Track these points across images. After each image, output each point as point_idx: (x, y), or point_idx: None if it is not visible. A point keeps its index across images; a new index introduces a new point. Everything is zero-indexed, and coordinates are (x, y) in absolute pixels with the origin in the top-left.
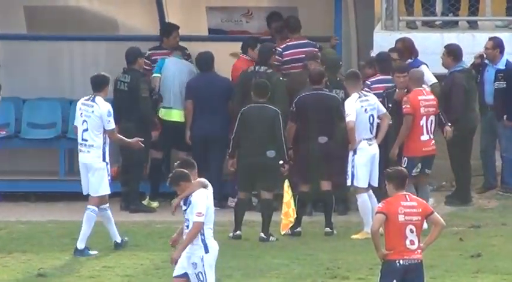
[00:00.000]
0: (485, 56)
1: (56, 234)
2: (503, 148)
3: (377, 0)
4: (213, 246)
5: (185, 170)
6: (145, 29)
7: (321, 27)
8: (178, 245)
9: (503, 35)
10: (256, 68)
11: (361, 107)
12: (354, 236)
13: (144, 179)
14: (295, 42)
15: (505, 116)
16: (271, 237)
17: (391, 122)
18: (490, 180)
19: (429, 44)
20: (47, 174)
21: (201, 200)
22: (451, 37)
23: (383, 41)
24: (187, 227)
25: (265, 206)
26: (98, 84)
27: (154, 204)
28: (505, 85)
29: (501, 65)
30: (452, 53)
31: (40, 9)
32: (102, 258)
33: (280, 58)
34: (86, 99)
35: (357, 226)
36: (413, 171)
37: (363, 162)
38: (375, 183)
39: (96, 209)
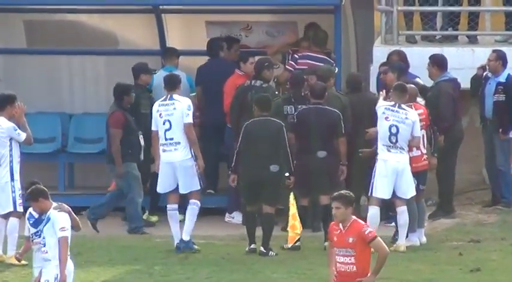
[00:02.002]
0: (487, 68)
1: None
2: (499, 162)
3: (377, 14)
4: (68, 265)
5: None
6: (145, 43)
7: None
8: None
9: (503, 50)
10: (252, 82)
11: (382, 113)
12: None
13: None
14: (312, 54)
15: (500, 130)
16: (270, 252)
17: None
18: (497, 194)
19: (428, 59)
20: (46, 188)
21: (61, 215)
22: (450, 51)
23: (382, 55)
24: (44, 244)
25: (267, 220)
26: (173, 84)
27: (154, 218)
28: (504, 98)
29: (502, 78)
30: (437, 63)
31: (40, 24)
32: (101, 272)
33: (294, 64)
34: (162, 101)
35: None
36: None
37: (383, 173)
38: (404, 195)
39: (199, 202)
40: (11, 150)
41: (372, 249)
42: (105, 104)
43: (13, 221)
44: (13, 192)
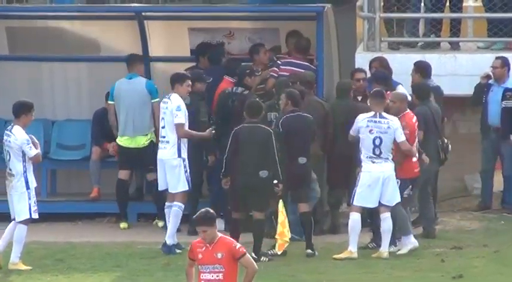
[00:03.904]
0: (492, 76)
1: (38, 255)
2: (505, 168)
3: (359, 21)
4: None
5: None
6: (127, 50)
7: None
8: None
9: (485, 56)
10: (233, 89)
11: (366, 127)
12: (336, 256)
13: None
14: (294, 61)
15: (511, 135)
16: (262, 257)
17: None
18: (487, 201)
19: (410, 65)
20: None
21: None
22: (432, 58)
23: (365, 61)
24: None
25: (257, 226)
26: (172, 81)
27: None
28: None
29: (509, 84)
30: (420, 70)
31: (22, 30)
32: (83, 278)
33: (277, 70)
34: (165, 98)
35: (339, 247)
36: (405, 193)
37: (365, 182)
38: (389, 203)
39: (182, 205)
40: (24, 161)
41: None
42: (88, 110)
43: (22, 228)
44: (29, 199)
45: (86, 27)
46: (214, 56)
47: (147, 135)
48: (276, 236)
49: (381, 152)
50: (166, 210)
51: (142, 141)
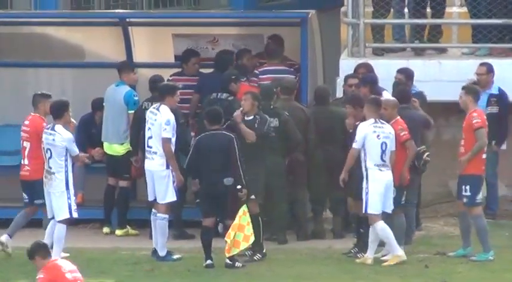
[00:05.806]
0: (478, 82)
1: (21, 261)
2: (488, 174)
3: (343, 27)
4: None
5: None
6: (112, 56)
7: (287, 54)
8: None
9: (469, 62)
10: (218, 94)
11: (373, 132)
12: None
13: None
14: (272, 68)
15: (493, 141)
16: (236, 262)
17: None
18: (492, 207)
19: (395, 71)
20: (11, 200)
21: None
22: (416, 64)
23: (349, 67)
24: None
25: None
26: (163, 93)
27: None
28: (497, 110)
29: (494, 90)
30: (405, 75)
31: (6, 36)
32: None
33: (257, 80)
34: (153, 108)
35: (323, 252)
36: (402, 200)
37: (377, 190)
38: (388, 209)
39: (167, 216)
40: (66, 160)
41: None
42: (72, 116)
43: (61, 227)
44: (69, 199)
45: (70, 33)
46: (221, 62)
47: (123, 144)
48: (225, 238)
49: (384, 156)
50: (152, 217)
51: (118, 149)
